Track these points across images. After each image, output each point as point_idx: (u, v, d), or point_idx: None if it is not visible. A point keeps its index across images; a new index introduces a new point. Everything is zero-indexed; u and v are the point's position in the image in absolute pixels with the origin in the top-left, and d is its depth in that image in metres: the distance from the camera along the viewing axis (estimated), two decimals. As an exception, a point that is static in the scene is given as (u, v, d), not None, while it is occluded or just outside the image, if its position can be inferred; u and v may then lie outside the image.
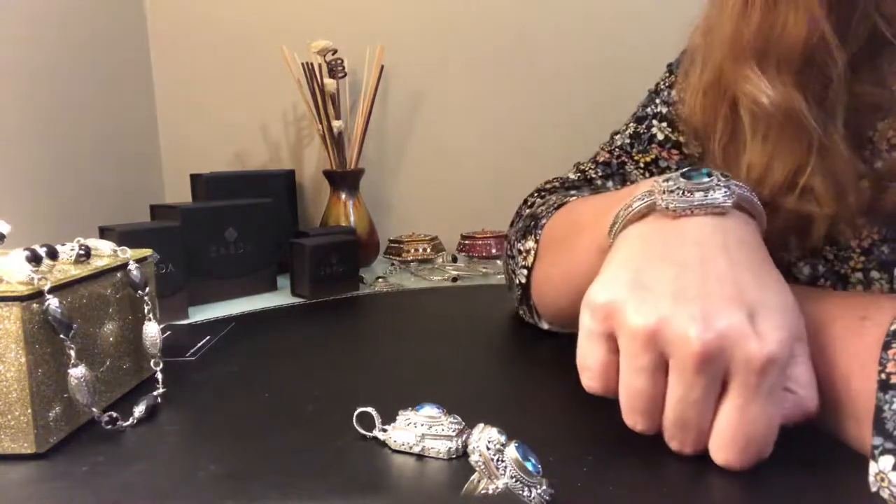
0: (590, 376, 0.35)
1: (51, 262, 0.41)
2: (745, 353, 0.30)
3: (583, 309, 0.35)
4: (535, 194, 0.64)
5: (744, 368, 0.30)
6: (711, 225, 0.34)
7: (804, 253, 0.43)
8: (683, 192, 0.35)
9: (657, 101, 0.59)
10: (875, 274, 0.40)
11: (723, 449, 0.32)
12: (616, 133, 0.63)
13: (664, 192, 0.35)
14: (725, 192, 0.35)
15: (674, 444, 0.34)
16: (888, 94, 0.39)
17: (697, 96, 0.45)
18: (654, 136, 0.59)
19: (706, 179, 0.35)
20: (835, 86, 0.38)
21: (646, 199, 0.36)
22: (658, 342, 0.31)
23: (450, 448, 0.36)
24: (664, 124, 0.58)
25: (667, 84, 0.59)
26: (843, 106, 0.39)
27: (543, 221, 0.54)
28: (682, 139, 0.57)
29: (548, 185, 0.65)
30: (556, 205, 0.55)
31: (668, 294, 0.32)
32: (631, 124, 0.61)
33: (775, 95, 0.39)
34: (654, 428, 0.34)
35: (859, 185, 0.39)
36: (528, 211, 0.61)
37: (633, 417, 0.34)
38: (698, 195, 0.35)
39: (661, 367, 0.32)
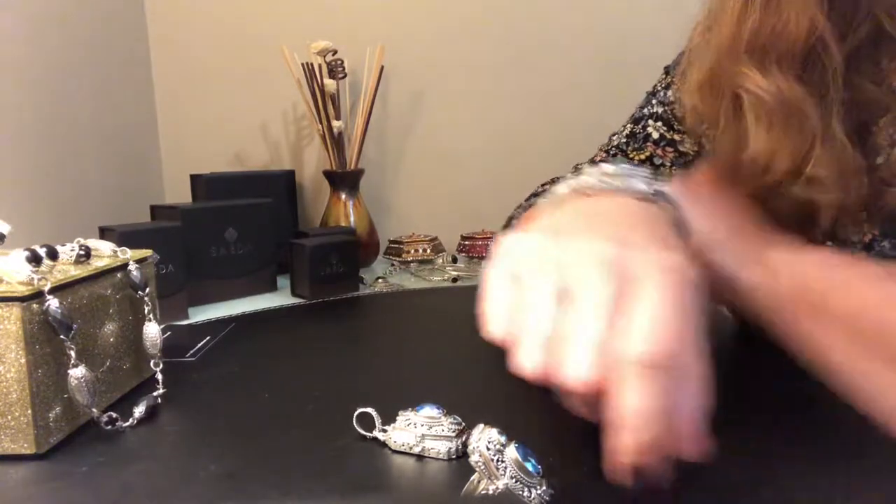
0: (496, 317, 0.30)
1: (51, 263, 0.41)
2: (656, 260, 0.28)
3: (493, 255, 0.33)
4: (530, 197, 0.65)
5: (655, 269, 0.28)
6: (625, 201, 0.35)
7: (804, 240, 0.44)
8: (603, 176, 0.36)
9: (653, 101, 0.60)
10: None
11: (639, 337, 0.26)
12: (614, 135, 0.64)
13: (586, 176, 0.37)
14: (645, 180, 0.36)
15: (577, 371, 0.27)
16: (888, 90, 0.39)
17: (697, 92, 0.45)
18: (649, 134, 0.59)
19: (627, 169, 0.36)
20: (833, 81, 0.39)
21: (570, 181, 0.37)
22: (565, 268, 0.29)
23: (450, 448, 0.36)
24: (659, 123, 0.59)
25: (663, 85, 0.60)
26: (841, 101, 0.39)
27: (514, 223, 0.56)
28: (676, 137, 0.58)
29: (540, 189, 0.66)
30: (527, 206, 0.56)
31: (581, 234, 0.31)
32: (628, 125, 0.62)
33: (776, 89, 0.39)
34: (548, 367, 0.28)
35: (861, 179, 0.39)
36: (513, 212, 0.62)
37: (533, 352, 0.28)
38: (617, 181, 0.36)
39: (567, 297, 0.28)
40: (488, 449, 0.30)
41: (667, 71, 0.60)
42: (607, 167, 0.36)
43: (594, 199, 0.36)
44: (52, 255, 0.41)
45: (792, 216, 0.42)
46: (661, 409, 0.26)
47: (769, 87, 0.39)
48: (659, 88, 0.60)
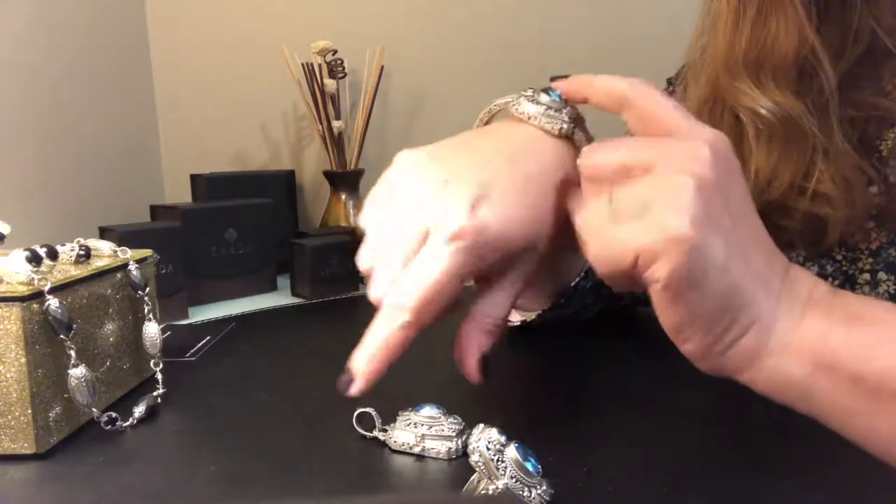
0: (365, 250, 0.36)
1: (51, 263, 0.40)
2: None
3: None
4: None
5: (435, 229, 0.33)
6: (524, 133, 0.37)
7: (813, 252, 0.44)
8: (532, 101, 0.37)
9: None
10: (882, 275, 0.40)
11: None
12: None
13: (520, 96, 0.38)
14: (563, 119, 0.37)
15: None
16: (891, 104, 0.39)
17: (698, 109, 0.45)
18: None
19: (556, 101, 0.37)
20: (830, 95, 0.39)
21: (503, 100, 0.40)
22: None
23: (450, 448, 0.36)
24: None
25: None
26: (839, 115, 0.39)
27: None
28: None
29: None
30: None
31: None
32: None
33: (774, 104, 0.39)
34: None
35: (868, 189, 0.39)
36: None
37: (379, 286, 0.36)
38: (538, 109, 0.37)
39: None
40: (488, 449, 0.30)
41: (669, 82, 0.61)
42: (539, 95, 0.38)
43: (503, 124, 0.39)
44: (52, 255, 0.40)
45: (800, 231, 0.42)
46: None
47: (766, 101, 0.39)
48: None
